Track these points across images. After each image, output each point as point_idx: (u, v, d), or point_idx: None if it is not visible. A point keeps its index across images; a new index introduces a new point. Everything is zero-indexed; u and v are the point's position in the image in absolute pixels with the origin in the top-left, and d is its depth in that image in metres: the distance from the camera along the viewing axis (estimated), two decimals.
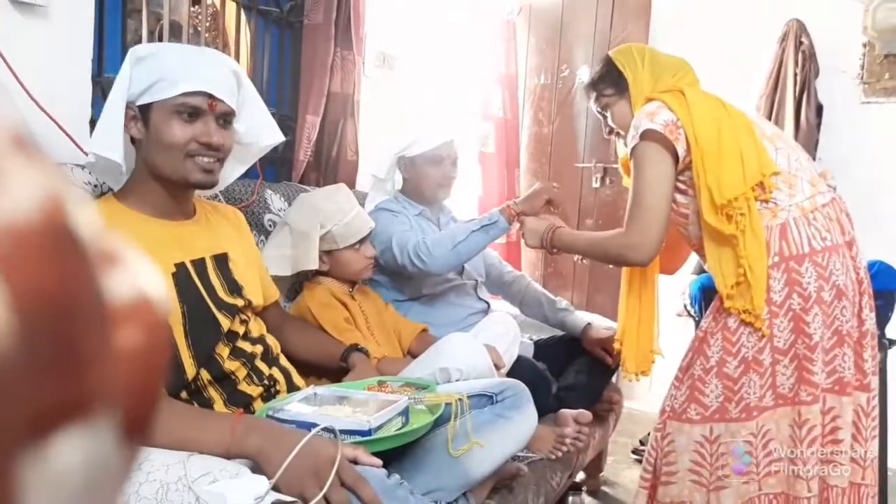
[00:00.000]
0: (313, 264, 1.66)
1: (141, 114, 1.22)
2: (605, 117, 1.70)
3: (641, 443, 2.71)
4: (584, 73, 3.31)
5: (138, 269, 0.21)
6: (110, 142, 1.21)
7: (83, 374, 0.18)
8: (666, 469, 1.49)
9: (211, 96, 1.21)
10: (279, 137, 1.44)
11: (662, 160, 1.47)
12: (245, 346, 1.30)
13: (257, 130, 1.40)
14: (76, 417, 0.18)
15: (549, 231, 1.73)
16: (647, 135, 1.47)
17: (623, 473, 2.55)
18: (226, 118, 1.26)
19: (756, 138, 1.46)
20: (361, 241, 1.73)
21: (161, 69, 1.20)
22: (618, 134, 1.69)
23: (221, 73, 1.25)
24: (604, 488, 2.42)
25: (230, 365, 1.25)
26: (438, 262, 1.82)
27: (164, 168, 1.22)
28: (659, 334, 1.74)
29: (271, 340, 1.39)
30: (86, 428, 0.19)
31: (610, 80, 1.65)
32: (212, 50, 1.40)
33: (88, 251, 0.19)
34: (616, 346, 1.75)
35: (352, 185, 2.30)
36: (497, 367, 1.55)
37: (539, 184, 1.93)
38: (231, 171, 1.46)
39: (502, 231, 1.85)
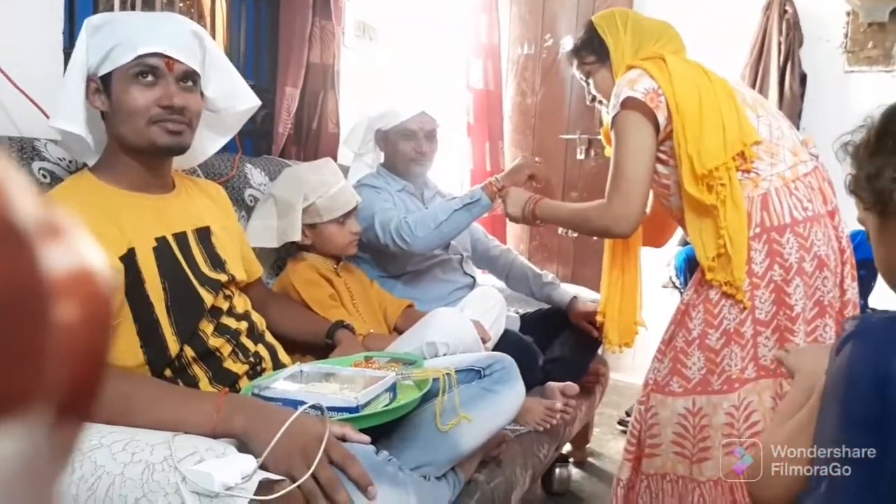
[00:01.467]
0: (296, 235, 1.64)
1: (103, 85, 1.19)
2: (587, 84, 1.68)
3: (627, 414, 2.73)
4: (568, 43, 3.27)
5: (79, 242, 0.20)
6: (72, 115, 1.19)
7: (17, 367, 0.18)
8: (650, 441, 1.49)
9: (168, 56, 1.18)
10: (254, 101, 1.40)
11: (643, 129, 1.45)
12: (230, 322, 1.28)
13: (230, 95, 1.37)
14: (9, 412, 0.18)
15: (532, 202, 1.72)
16: (627, 103, 1.45)
17: (609, 445, 2.58)
18: (188, 79, 1.22)
19: (738, 106, 1.44)
20: (346, 216, 1.70)
21: (117, 35, 1.17)
22: (600, 101, 1.67)
23: (179, 33, 1.22)
24: (590, 459, 2.45)
25: (214, 342, 1.23)
26: (421, 241, 1.81)
27: (131, 137, 1.19)
28: (642, 306, 1.74)
29: (256, 317, 1.37)
30: (20, 421, 0.18)
31: (591, 47, 1.63)
32: (170, 13, 1.36)
33: (26, 237, 0.18)
34: (599, 318, 1.75)
35: (333, 158, 2.27)
36: (483, 341, 1.55)
37: (521, 158, 1.92)
38: (210, 144, 1.43)
39: (485, 209, 1.84)
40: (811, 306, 1.40)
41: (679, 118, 1.42)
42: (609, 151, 1.63)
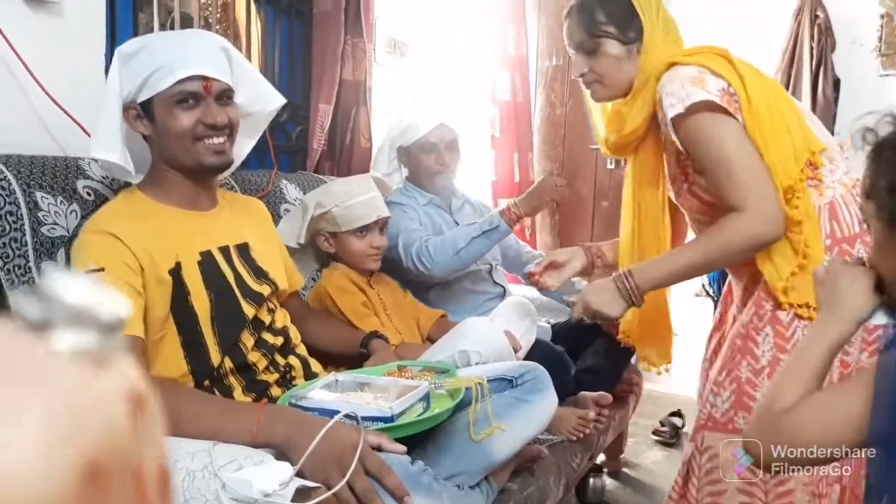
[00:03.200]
0: (302, 238, 1.70)
1: (144, 111, 1.23)
2: (583, 56, 1.43)
3: (662, 424, 2.70)
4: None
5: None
6: (109, 144, 1.23)
7: None
8: (710, 489, 1.31)
9: (205, 78, 1.22)
10: (280, 100, 1.46)
11: (731, 124, 1.26)
12: (268, 337, 1.32)
13: (259, 99, 1.42)
14: None
15: (623, 281, 1.39)
16: (703, 106, 1.25)
17: (643, 455, 2.55)
18: (225, 96, 1.27)
19: (798, 113, 1.32)
20: (367, 229, 1.70)
21: (152, 61, 1.21)
22: (594, 82, 1.43)
23: (211, 51, 1.26)
24: (624, 470, 2.43)
25: (253, 356, 1.26)
26: (440, 267, 1.84)
27: (179, 157, 1.24)
28: (671, 314, 1.68)
29: (293, 332, 1.40)
30: None
31: (616, 17, 1.39)
32: (196, 30, 1.40)
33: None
34: (622, 337, 1.69)
35: (366, 172, 2.30)
36: (514, 350, 1.55)
37: (540, 181, 1.89)
38: (241, 148, 1.47)
39: (504, 235, 1.85)
40: None
41: (755, 122, 1.26)
42: (605, 150, 1.55)
